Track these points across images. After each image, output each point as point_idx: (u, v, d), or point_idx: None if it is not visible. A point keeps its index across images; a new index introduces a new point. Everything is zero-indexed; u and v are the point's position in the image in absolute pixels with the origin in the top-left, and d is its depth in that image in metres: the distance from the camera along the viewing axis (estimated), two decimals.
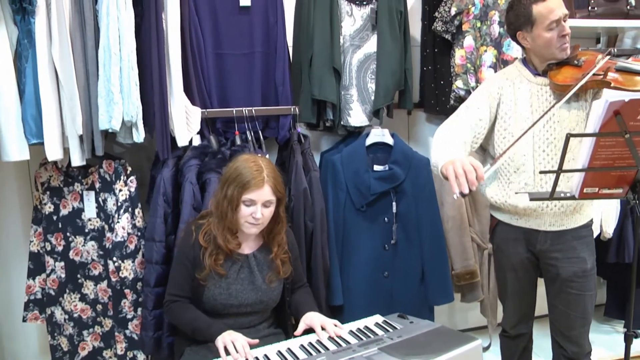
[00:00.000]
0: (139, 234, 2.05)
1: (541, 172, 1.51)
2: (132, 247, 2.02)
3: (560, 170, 1.42)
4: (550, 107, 1.68)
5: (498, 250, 2.05)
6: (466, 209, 2.55)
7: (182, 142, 2.03)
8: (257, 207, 1.67)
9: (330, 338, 1.67)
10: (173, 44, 1.97)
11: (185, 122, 2.02)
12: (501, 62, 2.35)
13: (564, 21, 1.77)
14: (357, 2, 2.31)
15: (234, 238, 1.72)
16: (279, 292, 1.83)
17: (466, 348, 1.56)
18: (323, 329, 1.70)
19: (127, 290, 2.02)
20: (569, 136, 1.35)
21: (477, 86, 2.32)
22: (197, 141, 2.11)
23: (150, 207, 1.99)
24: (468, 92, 2.36)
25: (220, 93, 2.20)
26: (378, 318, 1.84)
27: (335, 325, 1.71)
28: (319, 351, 1.59)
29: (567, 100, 1.82)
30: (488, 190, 1.97)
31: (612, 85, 1.71)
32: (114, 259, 1.99)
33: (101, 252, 2.06)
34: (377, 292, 2.38)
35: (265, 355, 1.59)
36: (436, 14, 2.41)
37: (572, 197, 1.48)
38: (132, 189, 2.02)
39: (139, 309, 2.06)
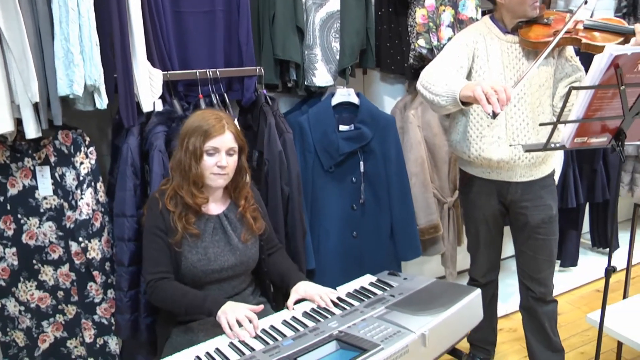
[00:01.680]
0: (103, 209, 1.86)
1: (541, 125, 1.56)
2: (97, 224, 1.83)
3: (558, 122, 1.48)
4: (542, 54, 1.72)
5: (470, 204, 2.13)
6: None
7: (147, 107, 1.86)
8: (222, 155, 1.61)
9: (333, 302, 1.65)
10: (133, 0, 1.77)
11: (150, 86, 1.85)
12: (458, 22, 2.40)
13: None
14: None
15: (200, 192, 1.63)
16: (256, 250, 1.77)
17: (469, 298, 1.61)
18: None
19: (95, 272, 1.84)
20: (571, 89, 1.40)
21: (439, 44, 2.35)
22: (159, 106, 1.94)
23: (117, 179, 1.81)
24: (430, 51, 2.38)
25: (180, 54, 2.03)
26: (370, 278, 1.84)
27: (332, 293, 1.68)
28: (326, 317, 1.57)
29: (535, 58, 1.90)
30: (460, 145, 2.02)
31: (582, 42, 1.80)
32: (80, 239, 1.80)
33: (60, 233, 1.85)
34: (347, 252, 2.39)
35: (273, 327, 1.53)
36: None
37: (563, 147, 1.55)
38: (93, 161, 1.82)
39: (109, 292, 1.90)
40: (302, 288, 1.70)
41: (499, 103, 1.50)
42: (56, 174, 1.82)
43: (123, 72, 1.75)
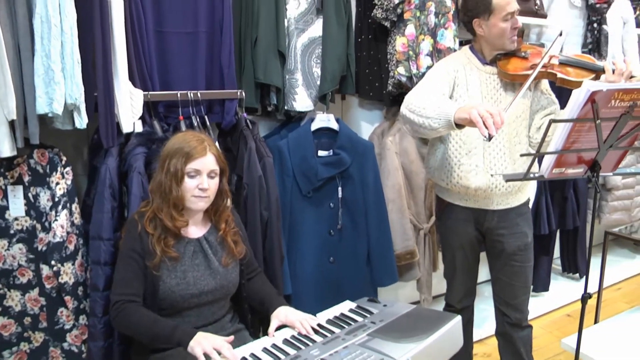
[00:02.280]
0: (77, 232, 1.81)
1: (522, 155, 1.60)
2: (71, 247, 1.77)
3: (538, 153, 1.52)
4: (522, 88, 1.78)
5: (448, 231, 2.15)
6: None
7: (127, 128, 1.83)
8: (203, 178, 1.60)
9: (313, 329, 1.62)
10: (116, 18, 1.75)
11: (130, 106, 1.82)
12: (436, 51, 2.45)
13: (516, 15, 1.89)
14: None
15: (180, 215, 1.61)
16: (236, 275, 1.74)
17: (450, 325, 1.61)
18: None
19: (67, 297, 1.78)
20: (551, 122, 1.45)
21: (418, 73, 2.40)
22: (138, 127, 1.91)
23: (94, 200, 1.76)
24: (409, 79, 2.42)
25: (162, 75, 2.01)
26: (350, 304, 1.83)
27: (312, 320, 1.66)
28: (307, 344, 1.55)
29: (512, 89, 1.96)
30: (438, 173, 2.05)
31: (558, 76, 1.87)
32: (52, 262, 1.73)
33: (31, 256, 1.78)
34: (324, 278, 2.38)
35: (253, 355, 1.50)
36: (375, 1, 2.42)
37: (541, 177, 1.59)
38: (69, 182, 1.78)
39: (81, 318, 1.83)
40: (283, 314, 1.67)
41: (494, 126, 1.53)
42: (29, 194, 1.76)
43: (104, 91, 1.72)
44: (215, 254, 1.69)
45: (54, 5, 1.56)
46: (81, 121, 1.68)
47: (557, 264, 3.52)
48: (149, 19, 1.94)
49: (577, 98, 1.41)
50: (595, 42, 2.82)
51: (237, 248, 1.72)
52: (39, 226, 1.77)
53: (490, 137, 1.53)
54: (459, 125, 1.70)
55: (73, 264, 1.78)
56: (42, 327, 1.83)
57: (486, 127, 1.53)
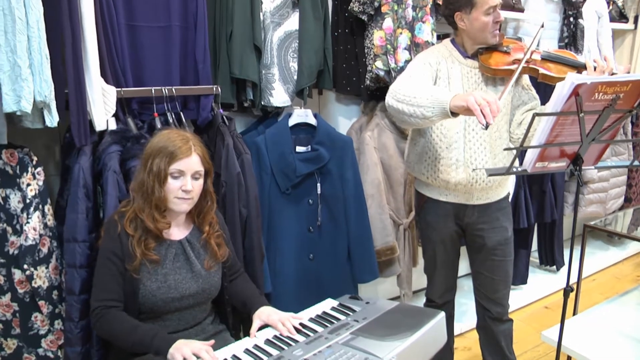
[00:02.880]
0: (51, 234, 1.74)
1: (506, 150, 1.59)
2: (45, 250, 1.71)
3: (521, 147, 1.51)
4: (509, 83, 1.78)
5: (428, 226, 2.14)
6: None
7: (100, 125, 1.77)
8: (187, 179, 1.54)
9: (296, 329, 1.60)
10: (86, 11, 1.68)
11: (103, 103, 1.76)
12: (414, 45, 2.44)
13: (498, 9, 1.88)
14: None
15: (162, 217, 1.56)
16: (219, 278, 1.70)
17: (434, 321, 1.60)
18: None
19: (41, 302, 1.72)
20: (534, 115, 1.44)
21: (396, 67, 2.38)
22: (112, 124, 1.85)
23: (68, 201, 1.70)
24: (387, 73, 2.40)
25: (134, 70, 1.95)
26: (332, 302, 1.81)
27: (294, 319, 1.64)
28: (290, 344, 1.52)
29: (494, 84, 1.96)
30: (418, 167, 2.04)
31: (540, 72, 1.87)
32: (25, 266, 1.67)
33: (2, 260, 1.71)
34: (304, 275, 2.35)
35: (235, 356, 1.47)
36: None
37: (524, 172, 1.59)
38: (41, 182, 1.71)
39: (56, 322, 1.77)
40: (265, 314, 1.64)
41: (491, 114, 1.51)
42: None
43: (75, 88, 1.66)
44: (198, 256, 1.65)
45: None
46: (52, 119, 1.62)
47: (534, 256, 3.56)
48: (120, 12, 1.87)
49: (561, 91, 1.40)
50: (572, 36, 2.85)
51: (220, 251, 1.68)
52: (9, 229, 1.70)
53: (487, 126, 1.51)
54: (454, 113, 1.65)
55: (47, 268, 1.72)
56: (15, 333, 1.77)
57: (484, 115, 1.51)
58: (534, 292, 3.26)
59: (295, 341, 1.53)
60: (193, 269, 1.62)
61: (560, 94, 1.40)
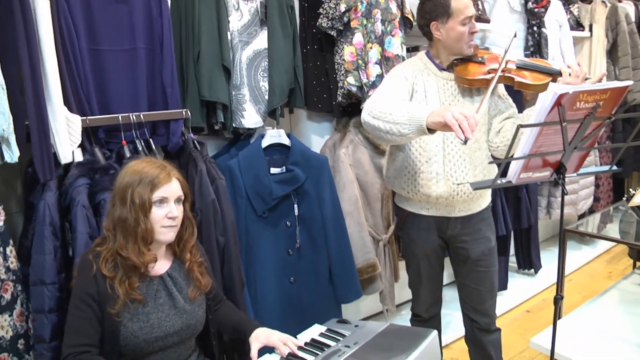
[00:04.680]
0: (14, 278, 1.61)
1: (491, 163, 1.56)
2: (7, 297, 1.57)
3: (508, 159, 1.49)
4: (487, 93, 1.77)
5: (411, 241, 2.11)
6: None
7: (65, 158, 1.66)
8: (171, 205, 1.47)
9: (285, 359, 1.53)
10: (45, 36, 1.59)
11: (68, 133, 1.66)
12: (384, 59, 2.43)
13: (474, 20, 1.88)
14: None
15: (148, 250, 1.47)
16: (203, 312, 1.62)
17: (428, 340, 1.56)
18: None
19: (3, 355, 1.58)
20: (519, 127, 1.42)
21: (368, 82, 2.35)
22: (78, 156, 1.74)
23: (33, 241, 1.58)
24: (360, 88, 2.37)
25: (99, 97, 1.85)
26: (319, 328, 1.74)
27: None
28: None
29: (470, 95, 1.95)
30: (398, 182, 2.01)
31: (516, 80, 1.87)
32: None
33: None
34: (285, 299, 2.28)
35: None
36: (320, 10, 2.36)
37: (509, 183, 1.57)
38: (1, 222, 1.58)
39: None
40: (264, 336, 1.58)
41: (469, 129, 1.49)
42: None
43: (37, 119, 1.55)
44: (180, 291, 1.55)
45: None
46: (12, 155, 1.51)
47: (512, 261, 3.59)
48: (81, 36, 1.78)
49: (544, 102, 1.39)
50: (536, 45, 2.91)
51: (203, 280, 1.59)
52: None
53: (466, 140, 1.48)
54: (431, 130, 1.63)
55: (10, 315, 1.58)
56: None
57: (462, 130, 1.48)
58: (515, 297, 3.27)
59: None
60: (176, 304, 1.52)
61: (544, 105, 1.39)
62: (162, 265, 1.56)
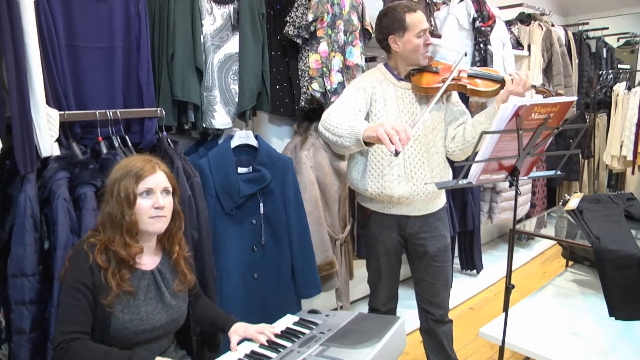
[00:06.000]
0: None
1: (456, 165, 1.71)
2: None
3: (472, 162, 1.65)
4: (434, 97, 1.93)
5: (372, 237, 2.25)
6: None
7: (47, 151, 1.68)
8: (157, 196, 1.53)
9: (264, 346, 1.62)
10: (29, 30, 1.60)
11: (49, 127, 1.67)
12: (345, 67, 2.57)
13: (427, 33, 2.05)
14: (218, 1, 2.22)
15: (135, 242, 1.52)
16: (186, 307, 1.68)
17: (397, 326, 1.69)
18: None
19: None
20: (482, 133, 1.59)
21: (330, 88, 2.49)
22: (56, 150, 1.76)
23: (12, 233, 1.58)
24: (324, 94, 2.50)
25: (76, 93, 1.87)
26: (292, 318, 1.84)
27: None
28: None
29: (427, 102, 2.11)
30: (362, 184, 2.15)
31: (467, 87, 2.06)
32: None
33: None
34: (249, 294, 2.35)
35: None
36: (287, 18, 2.48)
37: (469, 184, 1.74)
38: None
39: None
40: (242, 329, 1.67)
41: (400, 142, 1.63)
42: None
43: (19, 113, 1.57)
44: (167, 286, 1.61)
45: None
46: None
47: (455, 262, 3.81)
48: (60, 33, 1.79)
49: (505, 111, 1.57)
50: (482, 60, 3.15)
51: (188, 275, 1.66)
52: None
53: (397, 153, 1.63)
54: (368, 144, 1.80)
55: None
56: None
57: (393, 144, 1.62)
58: (459, 295, 3.49)
59: (269, 358, 1.55)
60: (164, 299, 1.59)
61: (504, 114, 1.57)
62: (152, 260, 1.61)
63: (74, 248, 1.52)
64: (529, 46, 4.00)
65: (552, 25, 4.30)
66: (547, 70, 4.15)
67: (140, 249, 1.54)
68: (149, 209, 1.51)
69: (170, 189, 1.58)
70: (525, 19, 4.18)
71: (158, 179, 1.54)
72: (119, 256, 1.49)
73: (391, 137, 1.63)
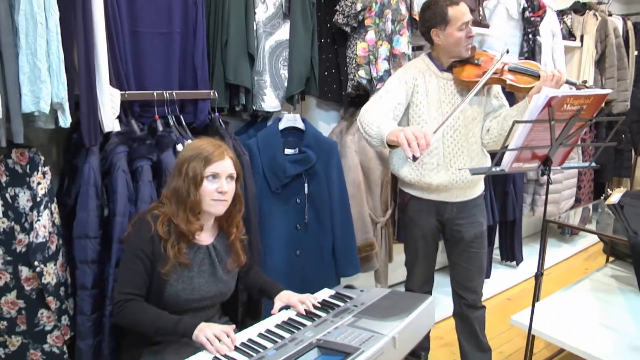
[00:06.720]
0: (57, 232, 1.79)
1: (490, 152, 1.76)
2: (53, 248, 1.75)
3: (504, 149, 1.70)
4: (469, 95, 1.97)
5: (411, 221, 2.31)
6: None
7: (109, 127, 1.84)
8: (222, 181, 1.64)
9: (301, 315, 1.73)
10: (98, 16, 1.76)
11: (111, 105, 1.83)
12: (392, 56, 2.63)
13: (470, 25, 2.08)
14: None
15: (196, 219, 1.65)
16: (235, 283, 1.82)
17: (426, 303, 1.76)
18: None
19: (50, 298, 1.75)
20: (514, 122, 1.63)
21: (377, 76, 2.55)
22: (117, 126, 1.92)
23: (78, 200, 1.76)
24: (369, 82, 2.57)
25: (136, 74, 2.03)
26: (329, 291, 1.94)
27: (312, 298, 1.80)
28: (299, 328, 1.64)
29: (466, 96, 2.15)
30: (402, 171, 2.21)
31: (507, 82, 2.08)
32: (35, 263, 1.71)
33: (9, 258, 1.74)
34: (291, 270, 2.47)
35: (251, 339, 1.58)
36: (337, 7, 2.56)
37: (502, 171, 1.78)
38: (49, 182, 1.76)
39: (62, 318, 1.81)
40: (286, 296, 1.80)
41: (419, 148, 1.68)
42: (7, 195, 1.72)
43: (87, 91, 1.73)
44: (221, 261, 1.75)
45: (39, 2, 1.56)
46: (65, 120, 1.68)
47: (496, 253, 3.82)
48: (124, 19, 1.95)
49: (537, 102, 1.60)
50: (531, 51, 3.13)
51: (242, 256, 1.79)
52: (17, 227, 1.74)
53: (415, 158, 1.68)
54: (392, 145, 1.87)
55: (55, 264, 1.76)
56: (19, 330, 1.79)
57: (412, 149, 1.67)
58: (497, 285, 3.51)
59: (304, 325, 1.66)
60: (216, 273, 1.72)
61: (536, 104, 1.61)
62: (208, 236, 1.74)
63: (139, 215, 1.68)
64: (581, 37, 3.90)
65: (610, 15, 4.16)
66: (600, 62, 4.03)
67: (201, 227, 1.67)
68: (213, 192, 1.63)
69: (235, 175, 1.69)
70: (579, 9, 4.06)
71: (225, 165, 1.65)
72: (179, 230, 1.62)
73: (410, 142, 1.68)
